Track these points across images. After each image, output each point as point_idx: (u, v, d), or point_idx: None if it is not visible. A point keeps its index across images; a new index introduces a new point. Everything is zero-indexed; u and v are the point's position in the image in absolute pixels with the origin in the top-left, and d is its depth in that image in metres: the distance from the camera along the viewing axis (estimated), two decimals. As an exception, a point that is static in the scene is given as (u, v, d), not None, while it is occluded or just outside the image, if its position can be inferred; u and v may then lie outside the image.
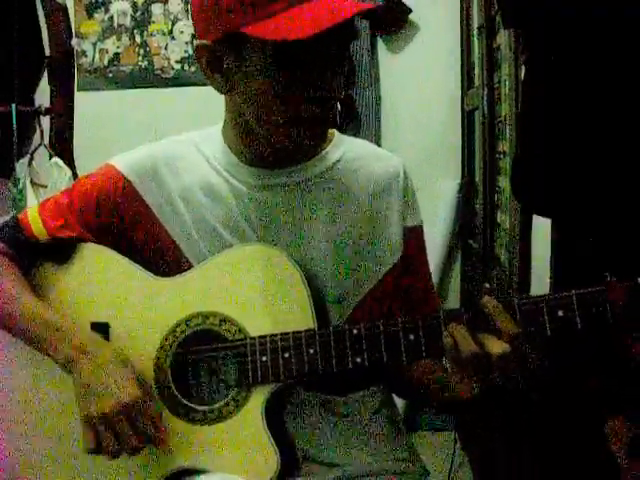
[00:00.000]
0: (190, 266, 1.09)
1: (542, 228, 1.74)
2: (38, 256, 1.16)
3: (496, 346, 0.92)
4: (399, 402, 2.86)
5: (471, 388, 0.97)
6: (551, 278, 1.60)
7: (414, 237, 1.15)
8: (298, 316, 1.03)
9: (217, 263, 1.08)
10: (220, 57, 1.01)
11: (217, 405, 1.05)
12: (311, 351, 1.01)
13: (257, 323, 1.04)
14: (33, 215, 1.15)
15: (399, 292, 1.14)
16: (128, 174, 1.13)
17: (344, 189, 1.11)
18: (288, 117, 0.99)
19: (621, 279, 0.91)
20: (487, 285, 2.46)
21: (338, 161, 1.13)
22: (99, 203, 1.13)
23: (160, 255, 1.11)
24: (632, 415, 1.19)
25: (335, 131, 1.17)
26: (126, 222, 1.12)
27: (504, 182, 2.29)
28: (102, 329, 1.10)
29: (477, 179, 2.76)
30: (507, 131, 2.16)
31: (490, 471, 2.13)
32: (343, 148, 1.14)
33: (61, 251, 1.14)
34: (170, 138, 1.18)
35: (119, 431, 0.99)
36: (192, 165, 1.13)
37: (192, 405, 1.06)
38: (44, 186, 2.37)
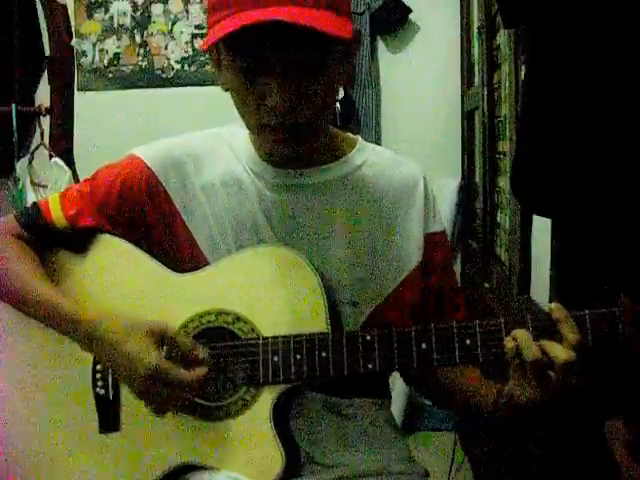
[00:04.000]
0: (207, 263, 1.10)
1: (542, 228, 1.74)
2: (55, 243, 1.16)
3: (562, 353, 0.90)
4: (399, 403, 2.85)
5: (534, 395, 0.93)
6: (551, 278, 1.59)
7: (436, 243, 1.15)
8: (312, 318, 1.03)
9: (234, 262, 1.08)
10: (219, 57, 1.04)
11: (225, 402, 1.05)
12: (323, 354, 1.00)
13: (270, 323, 1.04)
14: (54, 202, 1.16)
15: (421, 297, 1.13)
16: (152, 165, 1.13)
17: (364, 194, 1.12)
18: (255, 124, 1.02)
19: (634, 299, 0.91)
20: (487, 285, 2.46)
21: (360, 166, 1.13)
22: (121, 193, 1.12)
23: (178, 250, 1.12)
24: (632, 416, 1.19)
25: (359, 137, 1.18)
26: (147, 214, 1.12)
27: (504, 182, 2.29)
28: None
29: (477, 179, 2.76)
30: (507, 131, 2.15)
31: (490, 471, 2.13)
32: (366, 154, 1.15)
33: (78, 240, 1.15)
34: (195, 132, 1.18)
35: (157, 392, 0.99)
36: (219, 160, 1.13)
37: (200, 401, 1.06)
38: (44, 186, 2.37)
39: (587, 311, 0.93)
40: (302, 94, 0.98)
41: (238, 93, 1.01)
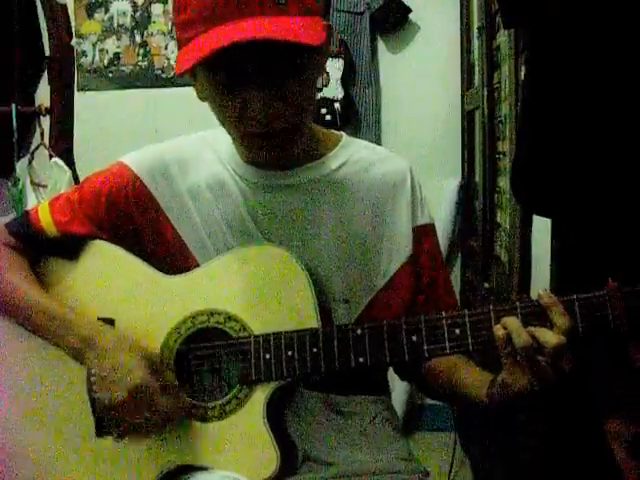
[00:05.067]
0: (197, 264, 1.11)
1: (542, 228, 1.74)
2: (46, 251, 1.17)
3: (552, 338, 0.90)
4: (399, 403, 2.85)
5: (527, 382, 0.93)
6: (551, 278, 1.60)
7: (424, 235, 1.16)
8: (303, 315, 1.04)
9: (223, 262, 1.08)
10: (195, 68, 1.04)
11: (219, 402, 1.05)
12: (314, 350, 1.01)
13: (262, 322, 1.05)
14: (44, 210, 1.17)
15: (413, 290, 1.14)
16: (139, 172, 1.14)
17: (350, 190, 1.12)
18: (237, 133, 1.03)
19: (623, 284, 0.91)
20: (487, 285, 2.46)
21: (345, 163, 1.14)
22: (109, 200, 1.14)
23: (168, 253, 1.13)
24: (632, 415, 1.19)
25: (343, 134, 1.19)
26: (136, 220, 1.14)
27: (504, 182, 2.29)
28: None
29: (477, 179, 2.76)
30: (507, 131, 2.16)
31: (490, 471, 2.13)
32: (351, 150, 1.15)
33: (69, 247, 1.15)
34: (182, 137, 1.19)
35: (133, 416, 1.01)
36: (204, 164, 1.14)
37: (194, 402, 1.06)
38: (44, 186, 2.37)
39: (575, 296, 0.93)
40: (282, 100, 0.98)
41: (217, 105, 1.01)
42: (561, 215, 1.39)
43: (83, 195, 1.16)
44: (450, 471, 2.33)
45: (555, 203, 1.33)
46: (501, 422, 1.75)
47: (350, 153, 1.15)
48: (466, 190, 2.93)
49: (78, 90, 2.98)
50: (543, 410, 1.34)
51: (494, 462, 2.03)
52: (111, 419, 1.07)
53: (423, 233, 1.15)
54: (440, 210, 2.90)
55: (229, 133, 1.07)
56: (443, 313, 0.98)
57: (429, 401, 2.86)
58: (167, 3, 3.13)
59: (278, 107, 0.98)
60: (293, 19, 0.94)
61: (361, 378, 1.09)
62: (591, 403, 1.28)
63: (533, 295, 0.96)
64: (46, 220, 1.15)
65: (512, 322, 0.93)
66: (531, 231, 1.94)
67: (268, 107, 0.97)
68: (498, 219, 2.43)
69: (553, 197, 1.32)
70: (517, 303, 0.95)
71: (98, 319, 1.10)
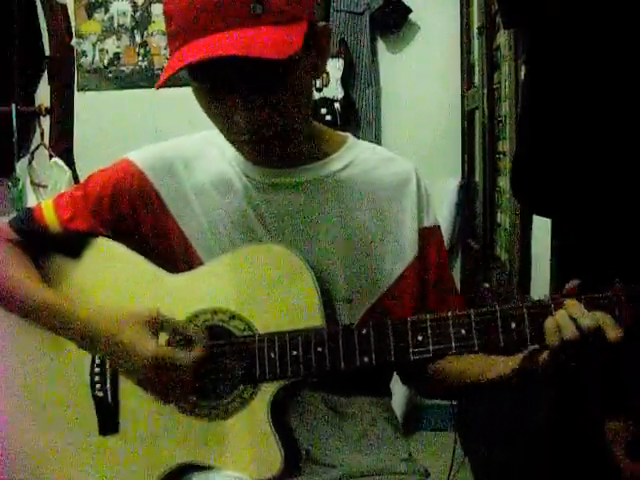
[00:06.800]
0: (201, 263, 1.10)
1: (542, 228, 1.74)
2: (49, 247, 1.16)
3: (614, 327, 0.88)
4: (399, 403, 2.85)
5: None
6: (551, 278, 1.60)
7: (430, 238, 1.15)
8: (307, 315, 1.03)
9: (228, 260, 1.08)
10: None
11: (223, 401, 1.05)
12: (319, 349, 1.01)
13: (266, 320, 1.04)
14: (47, 207, 1.17)
15: (418, 293, 1.13)
16: (144, 168, 1.14)
17: (355, 191, 1.12)
18: (228, 139, 1.04)
19: (625, 283, 0.91)
20: (487, 285, 2.46)
21: (349, 164, 1.13)
22: (114, 197, 1.13)
23: (171, 251, 1.12)
24: (632, 415, 1.20)
25: (349, 135, 1.18)
26: (140, 217, 1.13)
27: (504, 182, 2.29)
28: None
29: (477, 179, 2.76)
30: (507, 131, 2.16)
31: (490, 471, 2.13)
32: (356, 152, 1.15)
33: (72, 244, 1.15)
34: (185, 136, 1.19)
35: (160, 379, 1.01)
36: (209, 162, 1.14)
37: (198, 400, 1.06)
38: (44, 186, 2.37)
39: (582, 296, 0.93)
40: (267, 108, 0.98)
41: (207, 112, 1.02)
42: (561, 215, 1.39)
43: (87, 191, 1.15)
44: (450, 471, 2.33)
45: (555, 203, 1.33)
46: (501, 421, 1.75)
47: (355, 154, 1.15)
48: (466, 190, 2.93)
49: (78, 90, 2.99)
50: (543, 410, 1.34)
51: (494, 462, 2.03)
52: (115, 418, 1.07)
53: (429, 235, 1.15)
54: (440, 210, 2.90)
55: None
56: (449, 313, 0.98)
57: (429, 401, 2.87)
58: (167, 3, 3.14)
59: (263, 115, 0.98)
60: (269, 30, 0.93)
61: (362, 379, 1.09)
62: (592, 403, 1.28)
63: (533, 295, 0.96)
64: (50, 217, 1.15)
65: (573, 305, 0.91)
66: (531, 230, 1.94)
67: (252, 116, 0.97)
68: (498, 219, 2.43)
69: (553, 197, 1.32)
70: (522, 303, 0.95)
71: None
